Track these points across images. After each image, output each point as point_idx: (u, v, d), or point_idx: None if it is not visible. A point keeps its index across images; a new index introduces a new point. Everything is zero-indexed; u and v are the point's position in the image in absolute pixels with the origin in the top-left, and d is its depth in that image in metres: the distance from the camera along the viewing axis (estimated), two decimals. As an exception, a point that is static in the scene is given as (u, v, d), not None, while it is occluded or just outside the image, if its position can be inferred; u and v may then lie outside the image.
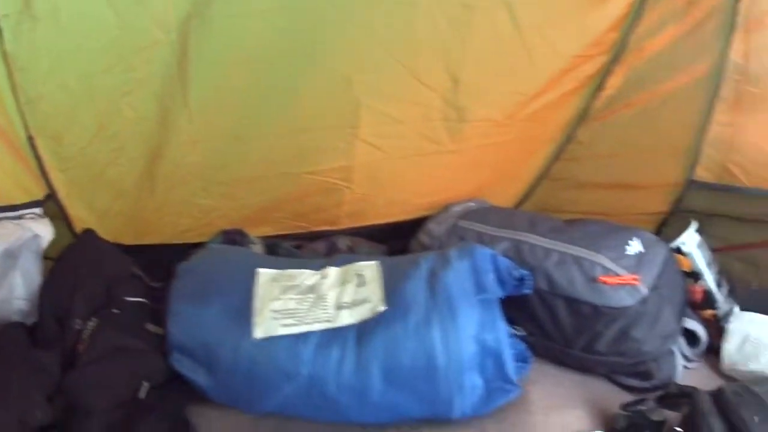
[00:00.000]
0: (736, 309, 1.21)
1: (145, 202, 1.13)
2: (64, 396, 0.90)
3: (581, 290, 1.03)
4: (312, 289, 0.97)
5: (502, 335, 0.92)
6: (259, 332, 0.91)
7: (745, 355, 1.12)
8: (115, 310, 1.01)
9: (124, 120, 1.01)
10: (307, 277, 0.99)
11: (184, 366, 0.95)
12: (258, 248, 1.17)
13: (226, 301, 0.95)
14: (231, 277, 1.00)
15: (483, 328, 0.91)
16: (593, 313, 1.03)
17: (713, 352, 1.17)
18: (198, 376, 0.94)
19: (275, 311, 0.93)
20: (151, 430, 0.90)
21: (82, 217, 1.12)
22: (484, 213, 1.26)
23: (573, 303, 1.04)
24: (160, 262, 1.05)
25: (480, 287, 0.94)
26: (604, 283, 1.02)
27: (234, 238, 1.16)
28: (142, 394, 0.94)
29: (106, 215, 1.13)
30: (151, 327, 1.02)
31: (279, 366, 0.90)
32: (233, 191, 1.17)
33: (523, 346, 1.00)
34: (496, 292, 0.96)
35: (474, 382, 0.91)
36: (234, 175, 1.15)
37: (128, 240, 1.19)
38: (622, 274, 1.04)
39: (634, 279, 1.04)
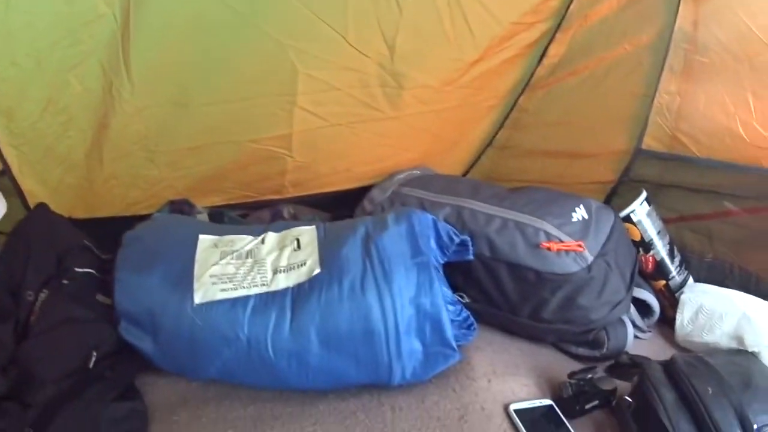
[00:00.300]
0: (690, 280, 1.20)
1: (95, 174, 1.14)
2: (17, 367, 0.91)
3: (523, 256, 1.03)
4: (250, 253, 0.97)
5: (440, 299, 0.91)
6: (198, 297, 0.91)
7: (699, 326, 1.11)
8: (65, 281, 1.01)
9: (72, 93, 1.02)
10: (246, 242, 0.99)
11: (131, 334, 0.95)
12: (204, 218, 1.16)
13: (169, 268, 0.95)
14: (175, 244, 1.00)
15: (420, 292, 0.91)
16: (537, 280, 1.03)
17: (668, 323, 1.17)
18: (144, 343, 0.95)
19: (214, 276, 0.93)
20: (99, 399, 0.91)
21: (34, 192, 1.12)
22: (427, 180, 1.25)
23: (516, 269, 1.04)
24: (112, 235, 1.05)
25: (417, 251, 0.94)
26: (548, 249, 1.02)
27: (181, 208, 1.16)
28: (91, 363, 0.95)
29: (57, 189, 1.14)
30: (101, 297, 1.02)
31: (218, 330, 0.90)
32: (178, 160, 1.18)
33: (467, 312, 0.99)
34: (434, 256, 0.96)
35: (412, 346, 0.91)
36: (177, 145, 1.15)
37: (80, 214, 1.19)
38: (566, 241, 1.03)
39: (579, 246, 1.03)
